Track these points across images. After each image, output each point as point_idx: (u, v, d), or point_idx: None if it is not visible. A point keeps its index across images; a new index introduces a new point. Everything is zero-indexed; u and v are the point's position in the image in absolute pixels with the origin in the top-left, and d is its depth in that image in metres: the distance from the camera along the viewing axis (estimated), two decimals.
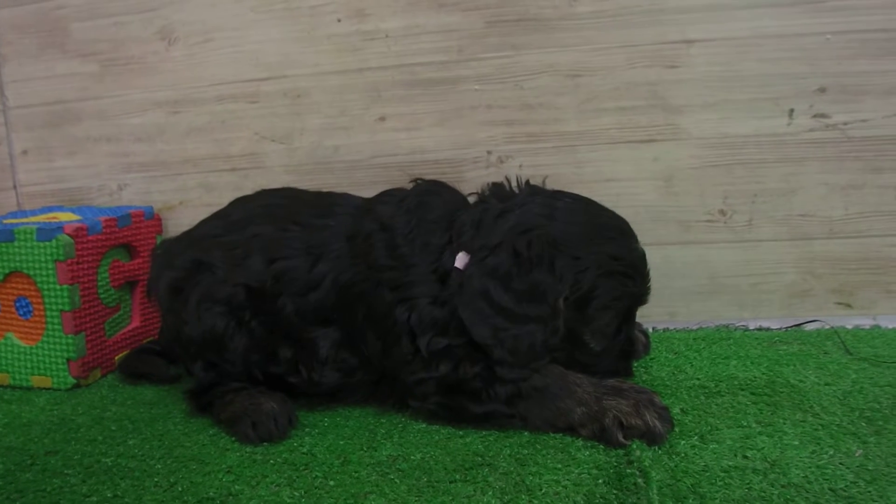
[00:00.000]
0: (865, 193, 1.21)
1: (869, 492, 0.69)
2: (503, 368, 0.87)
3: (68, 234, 1.14)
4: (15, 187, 1.49)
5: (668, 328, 1.28)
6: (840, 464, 0.74)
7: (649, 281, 0.95)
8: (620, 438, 0.81)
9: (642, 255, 0.95)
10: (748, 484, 0.71)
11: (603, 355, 0.93)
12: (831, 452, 0.77)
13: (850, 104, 1.18)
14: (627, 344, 0.97)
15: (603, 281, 0.89)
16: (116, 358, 1.23)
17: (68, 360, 1.14)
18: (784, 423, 0.85)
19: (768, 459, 0.76)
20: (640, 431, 0.81)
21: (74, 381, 1.15)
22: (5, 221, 1.22)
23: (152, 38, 1.38)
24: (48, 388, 1.15)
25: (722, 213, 1.26)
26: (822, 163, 1.21)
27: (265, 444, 0.88)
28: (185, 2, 1.35)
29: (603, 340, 0.92)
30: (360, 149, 1.34)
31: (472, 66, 1.28)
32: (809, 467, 0.74)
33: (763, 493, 0.69)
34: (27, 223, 1.18)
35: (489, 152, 1.30)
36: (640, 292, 0.94)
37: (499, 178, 1.23)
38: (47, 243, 1.12)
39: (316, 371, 0.95)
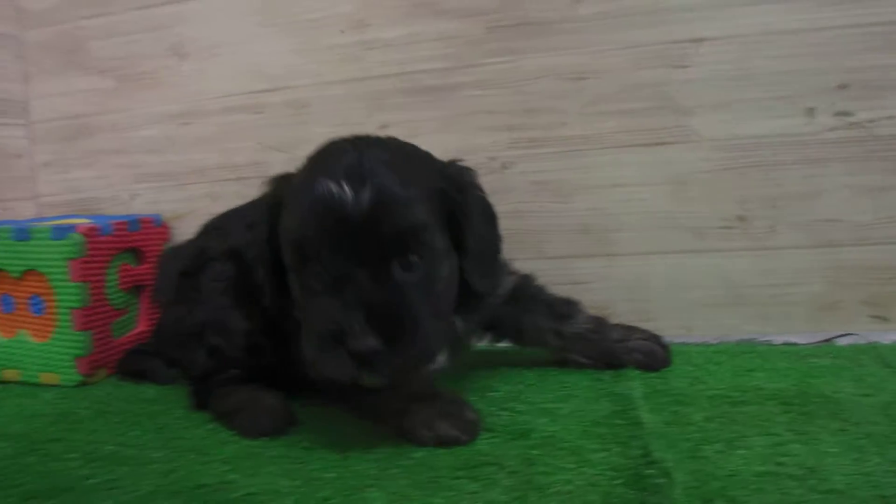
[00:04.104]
0: (895, 196, 1.12)
1: None
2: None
3: (81, 233, 1.16)
4: (35, 198, 1.54)
5: (685, 342, 1.19)
6: (888, 471, 0.66)
7: (315, 224, 0.73)
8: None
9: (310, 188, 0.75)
10: (783, 489, 0.64)
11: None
12: (877, 460, 0.68)
13: (875, 101, 1.10)
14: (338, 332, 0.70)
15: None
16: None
17: (76, 357, 1.16)
18: (820, 432, 0.76)
19: (805, 466, 0.68)
20: None
21: (81, 378, 1.16)
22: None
23: (164, 54, 1.42)
24: (56, 385, 1.16)
25: (740, 219, 1.18)
26: (846, 164, 1.13)
27: (263, 438, 0.86)
28: (194, 19, 1.39)
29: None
30: None
31: (472, 73, 1.26)
32: (853, 474, 0.66)
33: (802, 499, 0.62)
34: (42, 224, 1.22)
35: (492, 158, 1.27)
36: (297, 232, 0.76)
37: (502, 185, 1.23)
38: (61, 241, 1.15)
39: None
